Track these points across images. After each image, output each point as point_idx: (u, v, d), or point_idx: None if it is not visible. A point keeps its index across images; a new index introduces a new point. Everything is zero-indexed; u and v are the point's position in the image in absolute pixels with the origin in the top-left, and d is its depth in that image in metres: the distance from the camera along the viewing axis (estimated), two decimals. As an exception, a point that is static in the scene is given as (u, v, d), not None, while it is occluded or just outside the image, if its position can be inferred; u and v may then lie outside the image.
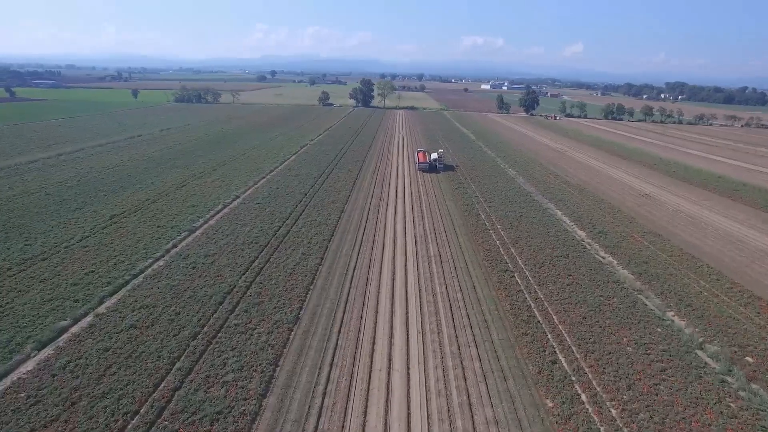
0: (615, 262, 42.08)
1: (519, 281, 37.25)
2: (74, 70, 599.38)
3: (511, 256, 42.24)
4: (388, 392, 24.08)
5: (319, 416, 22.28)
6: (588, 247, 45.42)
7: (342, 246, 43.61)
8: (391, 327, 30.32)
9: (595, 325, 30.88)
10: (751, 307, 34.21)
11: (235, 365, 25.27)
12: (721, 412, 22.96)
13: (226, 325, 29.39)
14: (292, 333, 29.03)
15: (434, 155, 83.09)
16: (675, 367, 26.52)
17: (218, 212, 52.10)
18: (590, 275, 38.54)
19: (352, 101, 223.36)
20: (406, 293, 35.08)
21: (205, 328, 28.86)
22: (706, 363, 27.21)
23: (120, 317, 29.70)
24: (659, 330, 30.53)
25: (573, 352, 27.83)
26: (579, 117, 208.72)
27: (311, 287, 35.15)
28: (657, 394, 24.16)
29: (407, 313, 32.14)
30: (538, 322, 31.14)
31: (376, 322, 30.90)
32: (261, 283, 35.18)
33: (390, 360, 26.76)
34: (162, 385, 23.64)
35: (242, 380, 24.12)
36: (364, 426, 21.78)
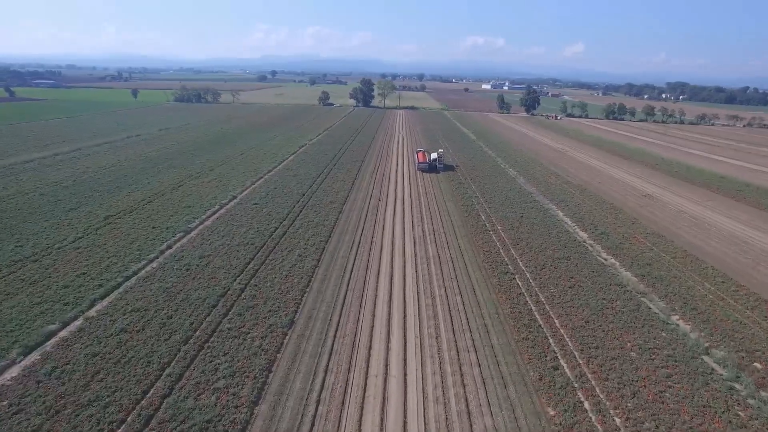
0: (617, 264, 41.25)
1: (520, 284, 36.44)
2: (75, 70, 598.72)
3: (512, 258, 41.44)
4: (384, 399, 23.30)
5: (312, 425, 21.51)
6: (590, 248, 44.60)
7: (339, 247, 42.83)
8: (389, 331, 29.53)
9: (597, 329, 30.07)
10: (758, 311, 33.35)
11: (226, 371, 24.50)
12: (730, 422, 22.13)
13: (218, 329, 28.61)
14: (287, 337, 28.25)
15: (434, 155, 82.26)
16: (681, 374, 25.70)
17: (214, 213, 51.34)
18: (592, 278, 37.72)
19: (352, 101, 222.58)
20: (404, 296, 34.29)
21: (197, 332, 28.09)
22: (712, 369, 26.38)
23: (110, 321, 28.95)
24: (664, 334, 29.71)
25: (575, 358, 27.03)
26: (580, 117, 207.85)
27: (307, 290, 34.37)
28: (663, 402, 23.35)
29: (405, 316, 31.34)
30: (540, 326, 30.33)
31: (372, 326, 30.11)
32: (256, 285, 34.41)
33: (387, 365, 25.97)
34: (151, 392, 22.87)
35: (234, 387, 23.35)
36: (358, 435, 21.01)
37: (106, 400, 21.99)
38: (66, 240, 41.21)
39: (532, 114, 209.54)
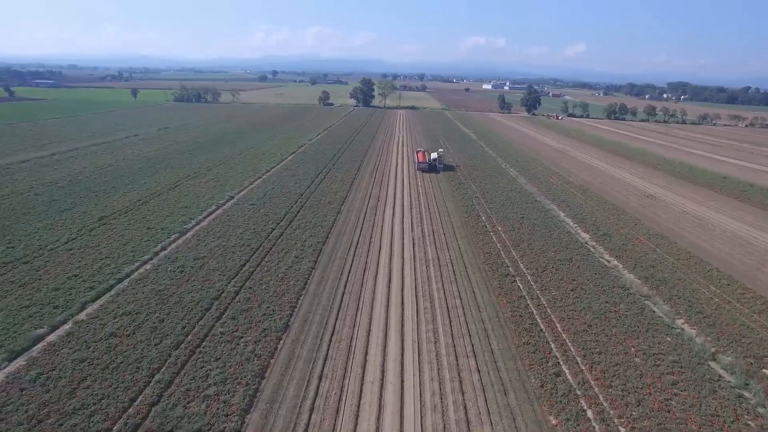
0: (620, 266, 40.42)
1: (520, 286, 35.63)
2: (76, 70, 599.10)
3: (513, 260, 40.62)
4: (380, 407, 22.50)
5: (306, 434, 20.72)
6: (592, 250, 43.76)
7: (337, 249, 42.05)
8: (386, 335, 28.74)
9: (600, 333, 29.25)
10: (765, 314, 32.48)
11: (218, 377, 23.73)
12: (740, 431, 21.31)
13: (211, 333, 27.85)
14: (281, 342, 27.48)
15: (434, 155, 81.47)
16: (687, 380, 24.87)
17: (211, 213, 50.59)
18: (595, 280, 36.89)
19: (352, 101, 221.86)
20: (402, 299, 33.49)
21: (189, 337, 27.32)
22: (720, 376, 25.55)
23: (100, 324, 28.19)
24: (669, 339, 28.88)
25: (578, 363, 26.21)
26: (581, 117, 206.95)
27: (303, 292, 33.59)
28: (669, 411, 22.51)
29: (403, 320, 30.56)
30: (541, 330, 29.52)
31: (369, 330, 29.32)
32: (251, 288, 33.64)
33: (383, 372, 25.17)
34: (139, 399, 22.11)
35: (225, 394, 22.57)
36: (353, 445, 20.23)
37: (92, 408, 21.21)
38: (59, 241, 40.48)
39: (533, 114, 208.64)
